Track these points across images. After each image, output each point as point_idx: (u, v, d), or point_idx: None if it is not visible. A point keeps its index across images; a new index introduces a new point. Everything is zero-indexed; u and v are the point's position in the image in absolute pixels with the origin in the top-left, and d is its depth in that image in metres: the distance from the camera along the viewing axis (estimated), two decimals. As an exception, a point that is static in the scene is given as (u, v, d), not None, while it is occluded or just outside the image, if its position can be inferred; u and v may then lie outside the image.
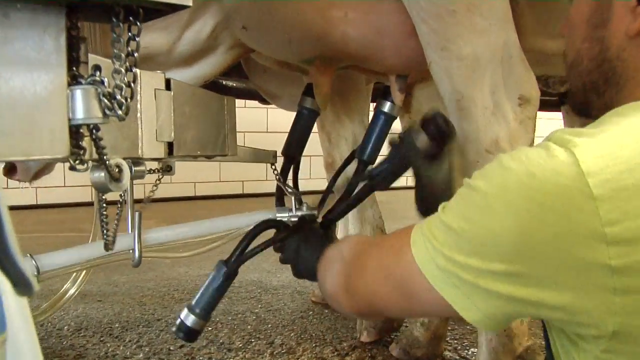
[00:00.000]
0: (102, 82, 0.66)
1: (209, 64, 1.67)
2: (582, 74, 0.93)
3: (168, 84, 1.14)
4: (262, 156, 1.81)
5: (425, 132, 1.27)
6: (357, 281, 1.01)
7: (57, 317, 2.57)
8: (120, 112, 0.66)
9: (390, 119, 1.66)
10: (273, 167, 1.74)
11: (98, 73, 0.67)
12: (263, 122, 7.00)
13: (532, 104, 1.48)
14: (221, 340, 2.33)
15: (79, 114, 0.65)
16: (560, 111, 3.36)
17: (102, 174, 0.84)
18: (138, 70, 0.75)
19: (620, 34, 0.84)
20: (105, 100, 0.65)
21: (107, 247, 1.34)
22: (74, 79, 0.66)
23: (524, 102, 1.47)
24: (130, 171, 1.45)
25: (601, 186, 0.72)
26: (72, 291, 1.99)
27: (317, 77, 1.64)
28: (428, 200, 1.28)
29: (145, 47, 1.42)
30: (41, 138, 0.65)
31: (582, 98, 0.95)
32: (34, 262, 1.37)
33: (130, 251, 1.48)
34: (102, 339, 2.37)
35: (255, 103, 3.42)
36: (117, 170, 0.87)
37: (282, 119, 6.54)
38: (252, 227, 1.58)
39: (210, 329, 2.46)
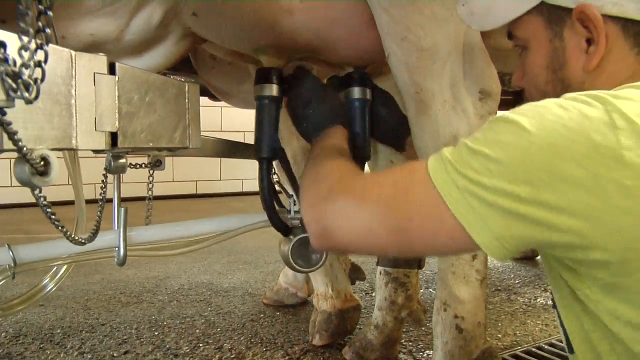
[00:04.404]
0: (6, 60, 0.56)
1: (160, 54, 1.56)
2: None
3: (112, 68, 1.05)
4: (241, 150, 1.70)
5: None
6: (349, 210, 0.95)
7: (-7, 323, 2.43)
8: (27, 94, 0.56)
9: (366, 103, 1.55)
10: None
11: (2, 50, 0.57)
12: (217, 121, 6.88)
13: (493, 99, 1.44)
14: (167, 346, 2.22)
15: (-24, 95, 0.55)
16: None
17: (26, 167, 0.76)
18: (57, 48, 0.66)
19: (578, 72, 0.99)
20: (9, 81, 0.56)
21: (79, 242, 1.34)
22: (-29, 56, 0.56)
23: (485, 96, 1.42)
24: (110, 165, 1.39)
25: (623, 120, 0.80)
26: (50, 287, 1.86)
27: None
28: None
29: (92, 35, 1.34)
30: None
31: None
32: (10, 253, 1.31)
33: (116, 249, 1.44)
34: (41, 345, 2.24)
35: (208, 101, 3.32)
36: (41, 163, 0.78)
37: (237, 117, 6.48)
38: (244, 228, 1.58)
39: (157, 333, 2.36)
